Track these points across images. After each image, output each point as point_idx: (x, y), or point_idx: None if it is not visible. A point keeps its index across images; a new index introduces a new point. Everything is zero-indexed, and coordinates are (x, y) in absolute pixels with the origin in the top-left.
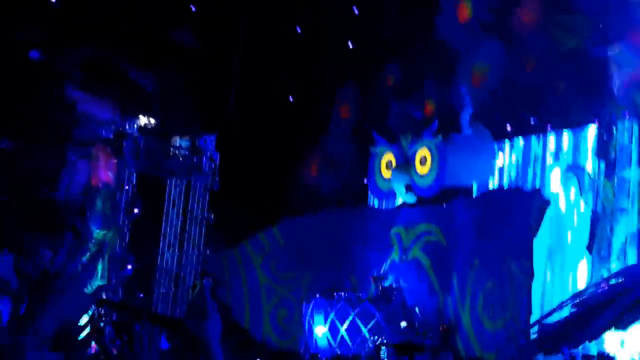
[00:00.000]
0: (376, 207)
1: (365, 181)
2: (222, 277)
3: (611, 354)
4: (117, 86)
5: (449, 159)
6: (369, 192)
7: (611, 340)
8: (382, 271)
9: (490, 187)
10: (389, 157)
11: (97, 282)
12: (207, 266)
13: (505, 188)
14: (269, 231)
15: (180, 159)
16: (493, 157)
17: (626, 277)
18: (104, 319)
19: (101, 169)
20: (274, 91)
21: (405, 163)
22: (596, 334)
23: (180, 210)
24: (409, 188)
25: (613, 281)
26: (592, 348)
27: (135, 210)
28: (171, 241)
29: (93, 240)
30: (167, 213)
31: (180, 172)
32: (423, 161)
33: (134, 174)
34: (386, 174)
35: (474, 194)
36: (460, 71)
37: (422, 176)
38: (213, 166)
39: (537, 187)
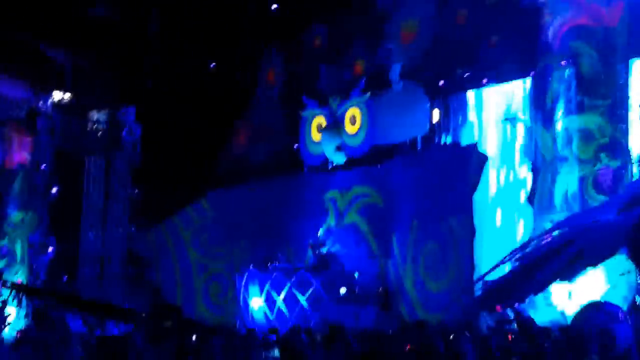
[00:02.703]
0: (307, 172)
1: (296, 147)
2: (150, 255)
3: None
4: (28, 63)
5: (378, 116)
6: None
7: (558, 292)
8: (318, 238)
9: (427, 144)
10: (319, 120)
11: (17, 266)
12: (133, 245)
13: (441, 145)
14: (198, 204)
15: (99, 134)
16: (426, 112)
17: (570, 227)
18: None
19: (15, 150)
20: (195, 58)
21: (334, 123)
22: (541, 287)
23: (102, 188)
24: (339, 148)
25: (556, 232)
26: (540, 302)
27: (54, 191)
28: (93, 221)
29: (11, 224)
30: (88, 191)
31: (100, 147)
32: (353, 120)
33: (50, 153)
34: (317, 137)
35: (409, 153)
36: (389, 29)
37: (352, 135)
38: (134, 140)
39: (474, 142)
